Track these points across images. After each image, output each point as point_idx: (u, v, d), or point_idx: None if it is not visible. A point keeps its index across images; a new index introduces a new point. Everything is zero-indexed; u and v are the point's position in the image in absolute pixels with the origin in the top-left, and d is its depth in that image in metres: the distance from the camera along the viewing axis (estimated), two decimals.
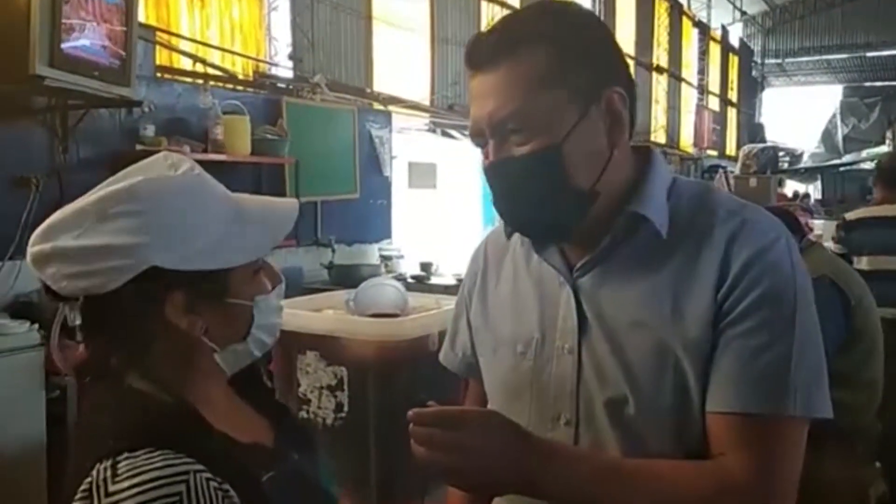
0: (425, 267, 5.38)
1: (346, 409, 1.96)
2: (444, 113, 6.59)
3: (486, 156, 1.01)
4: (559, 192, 0.96)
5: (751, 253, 0.94)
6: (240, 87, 4.70)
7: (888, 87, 14.90)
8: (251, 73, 4.90)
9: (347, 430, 2.06)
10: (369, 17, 5.85)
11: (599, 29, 1.02)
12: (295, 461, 1.03)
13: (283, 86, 5.03)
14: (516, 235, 1.13)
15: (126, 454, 0.83)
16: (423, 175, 6.67)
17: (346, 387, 1.84)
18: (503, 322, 1.13)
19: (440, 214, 7.04)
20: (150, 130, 3.90)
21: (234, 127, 4.30)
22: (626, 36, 11.67)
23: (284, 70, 5.09)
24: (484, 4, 7.40)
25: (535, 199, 0.98)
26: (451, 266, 5.51)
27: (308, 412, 2.04)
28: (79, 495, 0.83)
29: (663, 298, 0.96)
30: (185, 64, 4.42)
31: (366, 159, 5.66)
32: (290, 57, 5.12)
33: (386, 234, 5.89)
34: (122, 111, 3.81)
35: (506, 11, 6.96)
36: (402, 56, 6.28)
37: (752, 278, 0.93)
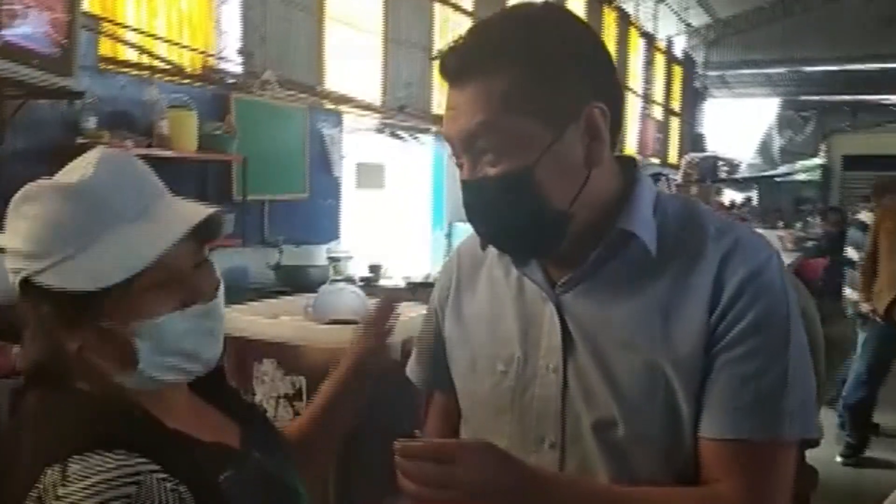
0: (374, 269, 5.32)
1: None
2: (395, 114, 6.53)
3: (459, 167, 0.97)
4: (533, 213, 0.93)
5: (745, 274, 0.91)
6: (187, 81, 4.56)
7: (823, 102, 15.43)
8: (199, 67, 4.76)
9: None
10: (322, 15, 5.76)
11: (581, 39, 0.96)
12: (257, 460, 0.98)
13: (232, 81, 4.90)
14: (493, 247, 1.10)
15: (75, 457, 0.79)
16: (370, 176, 6.60)
17: (304, 396, 1.78)
18: (481, 338, 1.09)
19: (388, 216, 6.97)
20: (91, 123, 3.75)
21: (181, 122, 4.16)
22: None
23: (233, 65, 4.95)
24: (437, 6, 7.36)
25: (509, 219, 0.94)
26: (401, 268, 5.47)
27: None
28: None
29: (653, 318, 0.93)
30: (131, 55, 4.26)
31: (316, 159, 5.57)
32: (240, 52, 4.99)
33: (334, 235, 5.80)
34: (64, 102, 3.65)
35: (458, 14, 6.94)
36: (354, 55, 6.20)
37: (748, 301, 0.90)
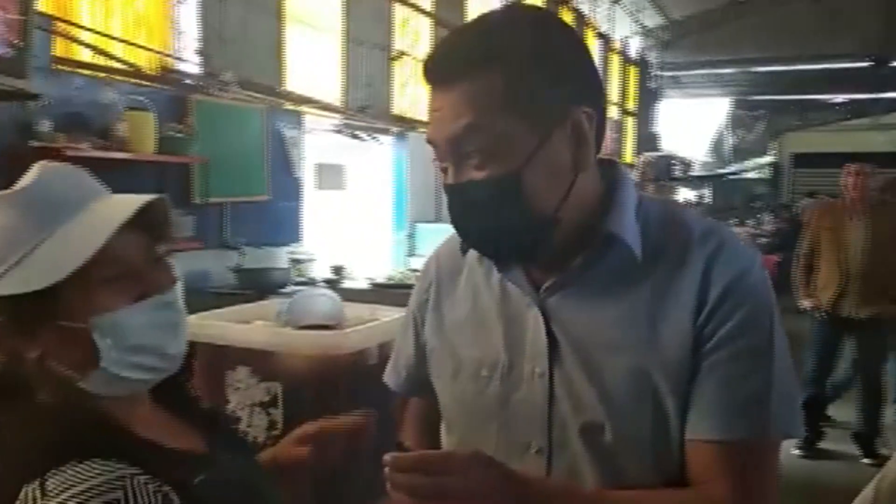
0: (337, 270, 5.29)
1: (279, 426, 1.86)
2: (356, 115, 6.50)
3: (443, 171, 0.97)
4: (519, 218, 0.92)
5: (731, 276, 0.93)
6: (144, 82, 4.48)
7: (773, 102, 15.81)
8: (156, 68, 4.68)
9: None
10: (281, 15, 5.70)
11: (568, 43, 0.96)
12: (229, 465, 0.98)
13: (190, 82, 4.82)
14: (474, 252, 1.09)
15: (53, 471, 0.78)
16: (330, 177, 6.55)
17: (280, 403, 1.76)
18: (464, 343, 1.08)
19: (349, 217, 6.94)
20: (46, 126, 3.65)
21: (139, 123, 4.08)
22: None
23: (192, 66, 4.88)
24: (397, 7, 7.34)
25: (493, 224, 0.94)
26: (364, 270, 5.45)
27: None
28: None
29: (640, 321, 0.94)
30: (86, 56, 4.17)
31: (276, 160, 5.51)
32: (199, 52, 4.92)
33: (296, 236, 5.75)
34: (16, 104, 3.55)
35: (418, 15, 6.93)
36: (314, 56, 6.15)
37: (734, 303, 0.92)
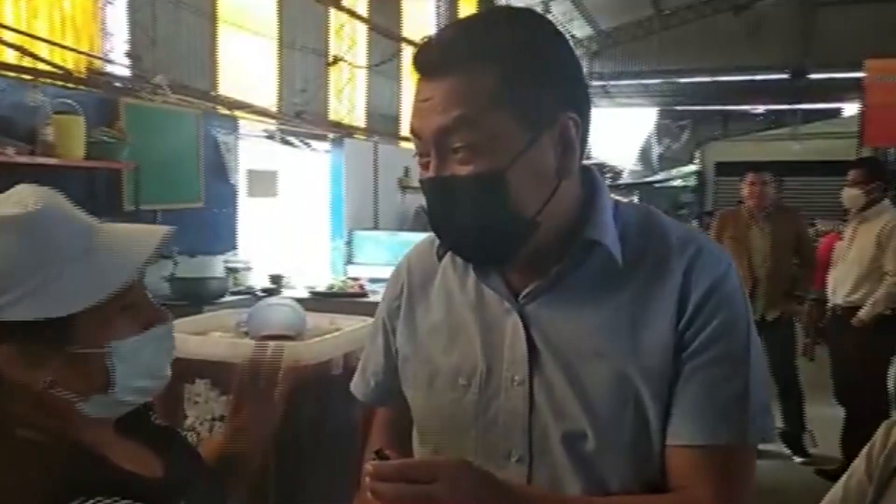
0: (276, 279, 5.19)
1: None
2: (291, 120, 6.41)
3: (424, 167, 0.94)
4: (499, 218, 0.91)
5: (709, 283, 0.94)
6: (72, 85, 4.30)
7: (697, 112, 16.31)
8: (85, 71, 4.50)
9: None
10: (214, 18, 5.58)
11: (561, 47, 0.95)
12: (200, 488, 0.98)
13: (120, 85, 4.66)
14: (447, 256, 1.07)
15: None
16: (263, 183, 6.42)
17: None
18: (439, 352, 1.06)
19: (284, 225, 6.81)
20: None
21: (67, 128, 3.91)
22: None
23: (122, 68, 4.72)
24: (332, 12, 7.28)
25: (472, 222, 0.92)
26: (303, 279, 5.36)
27: (197, 446, 1.80)
28: None
29: (621, 327, 0.94)
30: (11, 57, 3.98)
31: (210, 166, 5.37)
32: (128, 55, 4.76)
33: (231, 245, 5.61)
34: None
35: (354, 21, 6.88)
36: (248, 60, 6.04)
37: (712, 309, 0.93)
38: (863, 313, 4.01)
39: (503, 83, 0.89)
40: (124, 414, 0.98)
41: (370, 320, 1.28)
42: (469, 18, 0.98)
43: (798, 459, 4.56)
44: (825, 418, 4.66)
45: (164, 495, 0.88)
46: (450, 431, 1.05)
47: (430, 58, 0.92)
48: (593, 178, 1.03)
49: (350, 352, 1.51)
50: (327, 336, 1.82)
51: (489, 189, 0.90)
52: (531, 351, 0.98)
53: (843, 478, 1.21)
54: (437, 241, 1.06)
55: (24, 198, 0.87)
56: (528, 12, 0.97)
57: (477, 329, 1.03)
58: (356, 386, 1.24)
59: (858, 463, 1.21)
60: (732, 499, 0.92)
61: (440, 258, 1.08)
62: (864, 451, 1.19)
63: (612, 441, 0.94)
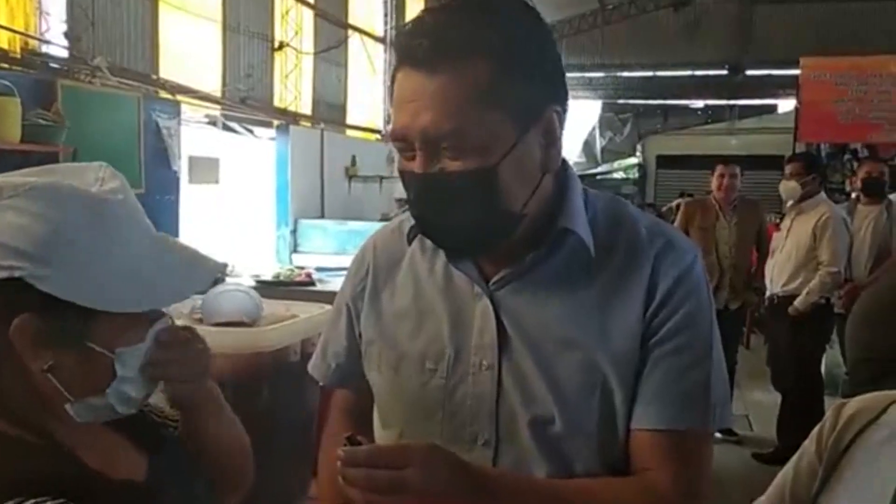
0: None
1: None
2: (236, 106, 6.28)
3: (406, 159, 0.93)
4: (489, 212, 0.92)
5: (677, 273, 0.96)
6: (6, 65, 4.14)
7: (639, 105, 16.58)
8: (19, 51, 4.33)
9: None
10: None
11: (546, 35, 0.95)
12: (176, 495, 0.93)
13: (57, 66, 4.50)
14: (416, 241, 1.07)
15: None
16: (204, 170, 6.29)
17: None
18: (406, 336, 1.06)
19: (226, 212, 6.68)
20: None
21: (2, 109, 3.76)
22: None
23: (59, 49, 4.55)
24: None
25: (462, 216, 0.92)
26: (248, 267, 5.27)
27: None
28: None
29: (592, 315, 0.95)
30: None
31: (151, 151, 5.22)
32: (66, 35, 4.59)
33: (173, 232, 5.46)
34: None
35: (300, 6, 6.77)
36: (191, 43, 5.89)
37: (679, 298, 0.95)
38: (798, 302, 4.14)
39: (496, 80, 0.87)
40: None
41: (328, 307, 1.26)
42: (457, 8, 0.92)
43: (719, 435, 4.64)
44: (762, 404, 4.82)
45: (134, 498, 0.85)
46: (415, 415, 1.05)
47: (421, 50, 0.88)
48: (565, 167, 1.04)
49: (307, 338, 1.49)
50: (285, 322, 1.80)
51: (480, 185, 0.90)
52: (500, 336, 0.99)
53: (794, 458, 1.24)
54: (408, 225, 1.06)
55: (103, 177, 0.84)
56: (516, 2, 0.95)
57: (445, 313, 1.03)
58: (315, 368, 1.23)
59: (808, 444, 1.25)
60: (691, 482, 0.95)
61: (410, 241, 1.07)
62: (815, 431, 1.23)
63: (578, 426, 0.95)
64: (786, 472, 1.19)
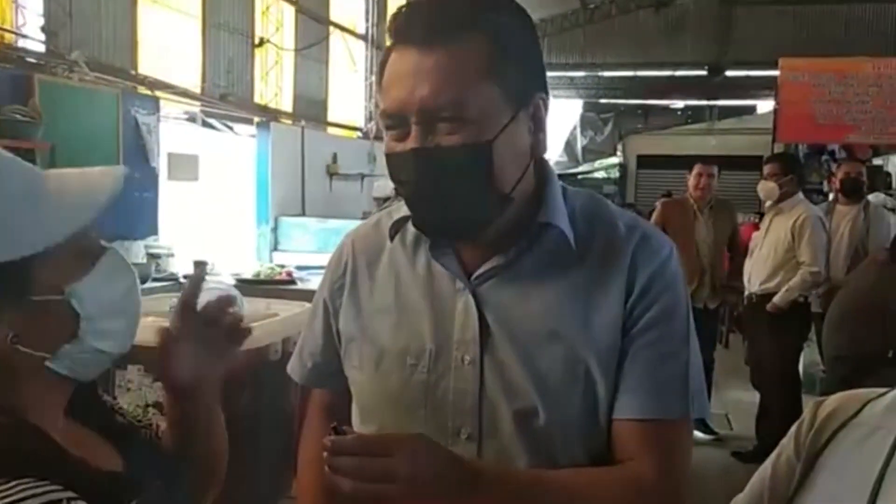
0: (199, 265, 5.04)
1: None
2: (216, 102, 6.24)
3: (396, 139, 0.93)
4: (481, 190, 0.93)
5: (655, 266, 0.98)
6: None
7: (619, 105, 16.67)
8: None
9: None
10: None
11: (534, 30, 0.99)
12: (158, 488, 0.92)
13: (34, 61, 4.44)
14: (397, 237, 1.07)
15: None
16: (184, 167, 6.24)
17: None
18: (386, 332, 1.06)
19: (205, 210, 6.63)
20: None
21: None
22: None
23: (36, 43, 4.49)
24: None
25: (454, 192, 0.93)
26: (228, 265, 5.24)
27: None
28: None
29: (574, 308, 0.97)
30: None
31: (130, 148, 5.18)
32: (44, 29, 4.53)
33: (153, 230, 5.44)
34: None
35: (281, 3, 6.73)
36: (170, 39, 5.84)
37: (657, 290, 0.97)
38: (777, 298, 4.18)
39: (493, 56, 0.90)
40: (82, 404, 0.93)
41: (308, 305, 1.26)
42: None
43: (701, 436, 4.67)
44: (741, 403, 4.86)
45: (112, 490, 0.83)
46: (398, 411, 1.05)
47: (417, 26, 0.90)
48: (544, 164, 1.05)
49: (288, 337, 1.48)
50: (266, 321, 1.79)
51: (476, 160, 0.91)
52: (482, 331, 0.99)
53: (773, 455, 1.25)
54: (387, 222, 1.06)
55: None
56: None
57: (426, 309, 1.03)
58: (292, 368, 1.23)
59: (787, 441, 1.26)
60: (672, 470, 0.96)
61: (392, 237, 1.07)
62: (793, 429, 1.24)
63: (562, 417, 0.96)
64: (764, 469, 1.20)
